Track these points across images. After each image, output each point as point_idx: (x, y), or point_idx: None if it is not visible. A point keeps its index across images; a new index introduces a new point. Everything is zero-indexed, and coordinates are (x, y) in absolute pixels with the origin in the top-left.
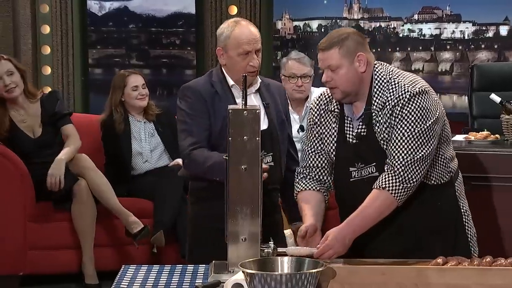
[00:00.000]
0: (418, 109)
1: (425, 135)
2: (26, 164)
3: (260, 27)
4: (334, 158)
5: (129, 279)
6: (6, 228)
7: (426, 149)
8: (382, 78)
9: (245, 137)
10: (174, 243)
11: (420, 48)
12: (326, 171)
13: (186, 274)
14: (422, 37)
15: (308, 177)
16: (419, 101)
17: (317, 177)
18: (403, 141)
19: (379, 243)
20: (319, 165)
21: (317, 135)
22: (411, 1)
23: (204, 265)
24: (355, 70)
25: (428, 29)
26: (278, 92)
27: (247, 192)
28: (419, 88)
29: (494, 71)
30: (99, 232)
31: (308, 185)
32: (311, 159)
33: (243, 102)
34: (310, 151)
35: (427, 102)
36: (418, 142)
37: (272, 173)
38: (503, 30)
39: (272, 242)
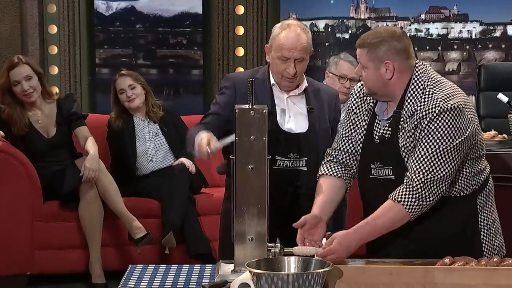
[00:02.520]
0: (446, 126)
1: (449, 154)
2: (37, 162)
3: (267, 27)
4: (360, 150)
5: (136, 278)
6: (13, 227)
7: (448, 168)
8: (420, 85)
9: (252, 137)
10: (181, 243)
11: (427, 47)
12: (354, 158)
13: (193, 274)
14: (429, 37)
15: (335, 160)
16: (448, 118)
17: (345, 162)
18: (426, 157)
19: (389, 247)
20: (349, 150)
21: (352, 122)
22: (418, 0)
23: (211, 265)
24: (380, 75)
25: (435, 29)
26: (328, 99)
27: (254, 192)
28: (452, 104)
29: (502, 71)
30: (106, 232)
31: (331, 170)
32: (343, 143)
33: (250, 103)
34: (343, 135)
35: (457, 120)
36: (441, 161)
37: (303, 178)
38: (511, 30)
39: (278, 242)
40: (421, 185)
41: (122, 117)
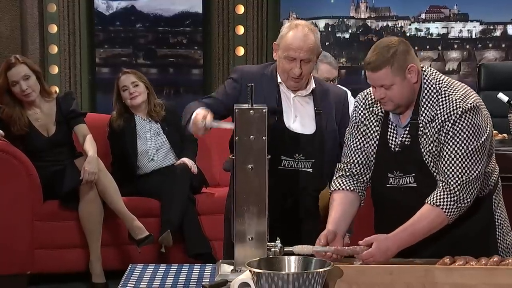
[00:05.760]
0: (471, 126)
1: (478, 153)
2: (37, 162)
3: (267, 27)
4: (373, 160)
5: (136, 278)
6: (13, 227)
7: (480, 167)
8: (432, 88)
9: (251, 137)
10: (181, 243)
11: (427, 47)
12: (368, 169)
13: (193, 273)
14: (429, 36)
15: (348, 174)
16: (471, 117)
17: (358, 174)
18: (457, 159)
19: (417, 249)
20: (363, 162)
21: (362, 133)
22: (419, 0)
23: (211, 265)
24: (408, 83)
25: (436, 28)
26: (336, 100)
27: (253, 191)
28: (471, 103)
29: (502, 70)
30: (106, 231)
31: (344, 184)
32: (356, 156)
33: (250, 102)
34: (355, 148)
35: (479, 118)
36: (473, 161)
37: (309, 180)
38: (511, 29)
39: (279, 241)
40: (459, 187)
41: (123, 116)
